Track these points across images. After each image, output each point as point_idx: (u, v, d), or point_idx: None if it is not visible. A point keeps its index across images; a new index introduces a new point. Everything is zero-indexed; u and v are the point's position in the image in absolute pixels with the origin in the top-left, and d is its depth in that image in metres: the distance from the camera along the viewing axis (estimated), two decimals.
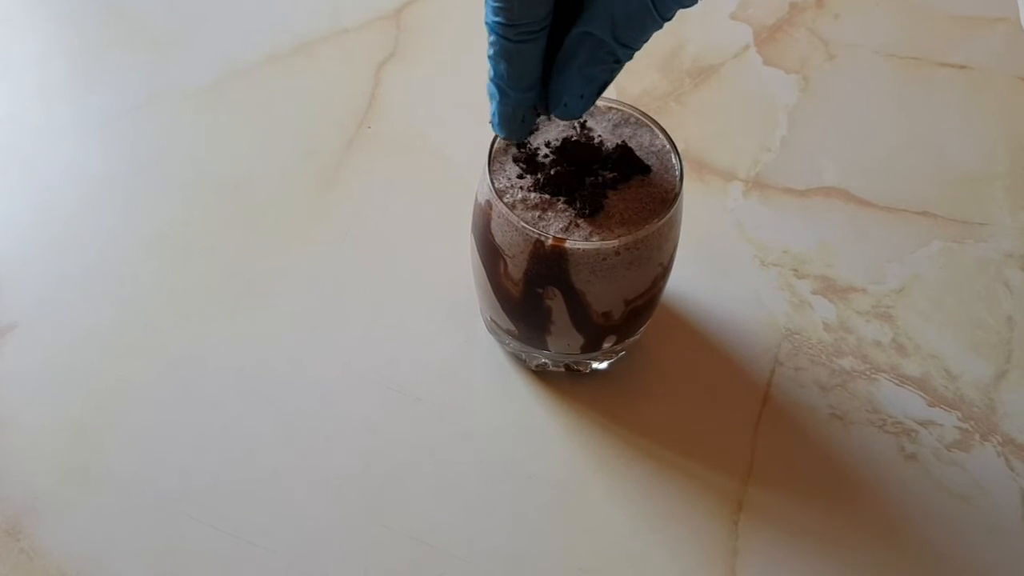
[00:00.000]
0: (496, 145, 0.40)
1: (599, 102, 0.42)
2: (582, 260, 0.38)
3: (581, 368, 0.46)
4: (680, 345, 0.47)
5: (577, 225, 0.38)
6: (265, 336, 0.47)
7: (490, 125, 0.38)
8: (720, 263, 0.51)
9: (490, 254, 0.41)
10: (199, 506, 0.42)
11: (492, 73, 0.36)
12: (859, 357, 0.47)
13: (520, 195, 0.39)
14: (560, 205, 0.39)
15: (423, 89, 0.60)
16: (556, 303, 0.40)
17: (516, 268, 0.40)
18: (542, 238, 0.38)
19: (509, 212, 0.38)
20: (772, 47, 0.63)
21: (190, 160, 0.56)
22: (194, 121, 0.58)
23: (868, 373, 0.47)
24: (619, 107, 0.42)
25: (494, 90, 0.37)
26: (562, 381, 0.46)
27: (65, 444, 0.44)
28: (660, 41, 0.63)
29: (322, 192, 0.54)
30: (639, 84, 0.60)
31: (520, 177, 0.40)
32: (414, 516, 0.42)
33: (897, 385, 0.46)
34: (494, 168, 0.40)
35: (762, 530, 0.41)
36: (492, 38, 0.35)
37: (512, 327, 0.44)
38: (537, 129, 0.41)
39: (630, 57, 0.35)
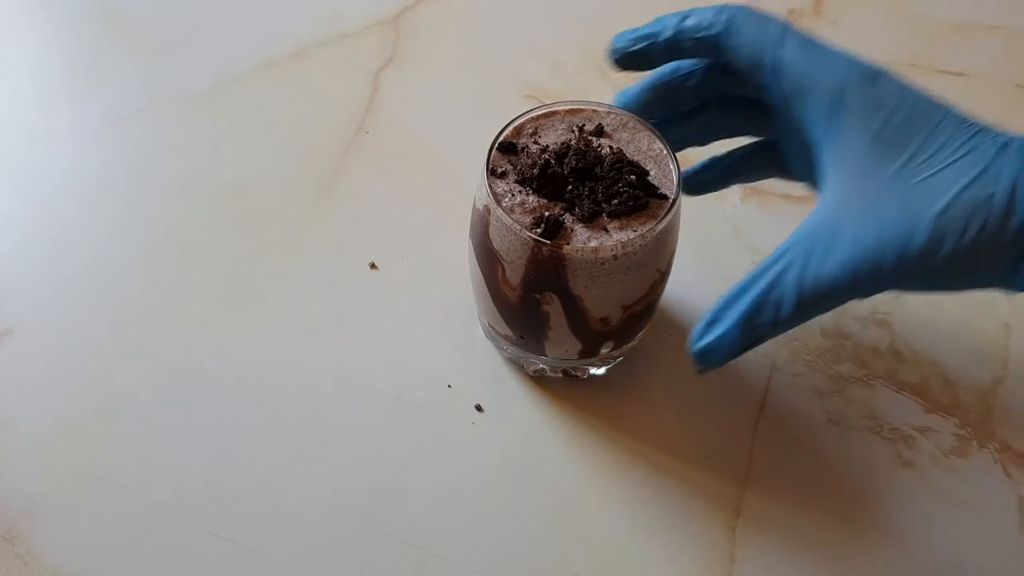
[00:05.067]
0: (494, 150, 0.41)
1: (597, 106, 0.42)
2: (580, 265, 0.38)
3: (579, 374, 0.46)
4: (678, 351, 0.47)
5: (575, 230, 0.38)
6: (263, 341, 0.47)
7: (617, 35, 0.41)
8: (718, 269, 0.51)
9: (488, 259, 0.41)
10: (196, 511, 0.42)
11: (681, 13, 0.39)
12: (857, 363, 0.47)
13: (518, 200, 0.39)
14: (558, 210, 0.39)
15: (421, 94, 0.60)
16: (554, 308, 0.40)
17: (514, 273, 0.40)
18: (540, 243, 0.38)
19: (507, 217, 0.38)
20: None
21: (188, 165, 0.56)
22: (193, 125, 0.58)
23: (865, 379, 0.47)
24: (617, 112, 0.42)
25: (665, 17, 0.39)
26: (560, 387, 0.46)
27: (62, 449, 0.43)
28: None
29: (320, 197, 0.54)
30: None
31: (518, 182, 0.40)
32: (411, 522, 0.42)
33: (895, 391, 0.46)
34: (492, 173, 0.40)
35: (760, 536, 0.41)
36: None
37: (510, 332, 0.44)
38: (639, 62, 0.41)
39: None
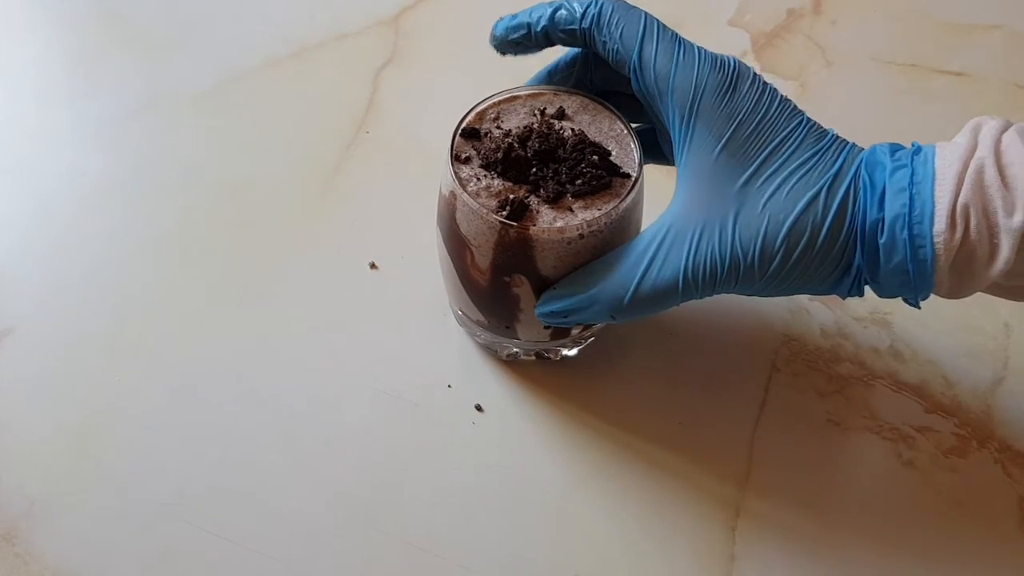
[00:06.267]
0: (457, 136, 0.41)
1: (558, 90, 0.43)
2: (547, 246, 0.38)
3: (551, 355, 0.46)
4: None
5: (541, 211, 0.39)
6: (262, 341, 0.47)
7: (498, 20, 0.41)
8: None
9: (456, 245, 0.41)
10: (195, 511, 0.42)
11: (555, 3, 0.40)
12: (856, 363, 0.47)
13: (484, 184, 0.40)
14: (523, 192, 0.39)
15: (421, 94, 0.60)
16: (524, 290, 0.40)
17: (483, 257, 0.40)
18: (507, 225, 0.38)
19: (473, 201, 0.39)
20: (770, 53, 0.63)
21: (188, 165, 0.56)
22: (193, 125, 0.58)
23: (865, 379, 0.47)
24: (579, 95, 0.42)
25: (539, 7, 0.40)
26: (534, 370, 0.46)
27: (61, 448, 0.43)
28: None
29: (320, 197, 0.54)
30: None
31: (483, 167, 0.40)
32: (411, 522, 0.42)
33: (894, 391, 0.46)
34: (456, 159, 0.40)
35: (760, 536, 0.41)
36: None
37: (482, 318, 0.44)
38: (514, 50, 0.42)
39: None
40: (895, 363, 0.47)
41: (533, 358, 0.46)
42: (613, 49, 0.38)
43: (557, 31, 0.40)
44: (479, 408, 0.45)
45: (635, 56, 0.38)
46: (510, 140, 0.40)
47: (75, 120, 0.58)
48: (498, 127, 0.41)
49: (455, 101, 0.60)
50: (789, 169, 0.36)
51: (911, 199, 0.34)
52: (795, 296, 0.49)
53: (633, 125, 0.42)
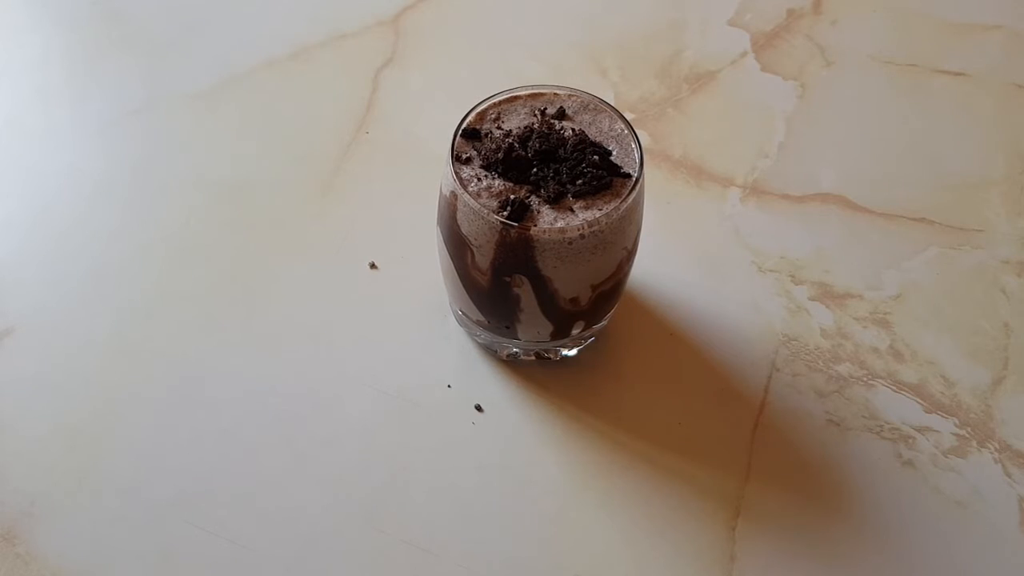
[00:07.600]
0: (458, 137, 0.41)
1: (558, 90, 0.43)
2: (548, 246, 0.38)
3: (551, 355, 0.46)
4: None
5: (541, 212, 0.39)
6: (262, 340, 0.47)
7: None
8: (717, 269, 0.51)
9: (457, 245, 0.41)
10: (195, 511, 0.42)
11: None
12: (856, 363, 0.47)
13: (484, 184, 0.40)
14: (524, 192, 0.39)
15: (421, 94, 0.60)
16: (524, 291, 0.41)
17: (483, 257, 0.40)
18: (508, 225, 0.38)
19: (474, 201, 0.39)
20: (770, 53, 0.63)
21: (188, 165, 0.56)
22: (193, 125, 0.58)
23: (865, 379, 0.47)
24: (579, 94, 0.43)
25: None
26: (534, 370, 0.46)
27: (62, 449, 0.43)
28: (658, 47, 0.63)
29: (319, 197, 0.54)
30: (636, 90, 0.60)
31: (483, 167, 0.40)
32: (411, 522, 0.42)
33: (894, 391, 0.46)
34: (457, 159, 0.40)
35: (760, 536, 0.41)
36: None
37: (482, 318, 0.44)
38: None
39: None
40: (895, 363, 0.47)
41: (533, 358, 0.46)
42: None
43: None
44: (479, 408, 0.45)
45: None
46: (511, 140, 0.40)
47: (76, 120, 0.58)
48: (499, 127, 0.42)
49: (455, 101, 0.60)
50: None
51: None
52: (795, 296, 0.49)
53: None
